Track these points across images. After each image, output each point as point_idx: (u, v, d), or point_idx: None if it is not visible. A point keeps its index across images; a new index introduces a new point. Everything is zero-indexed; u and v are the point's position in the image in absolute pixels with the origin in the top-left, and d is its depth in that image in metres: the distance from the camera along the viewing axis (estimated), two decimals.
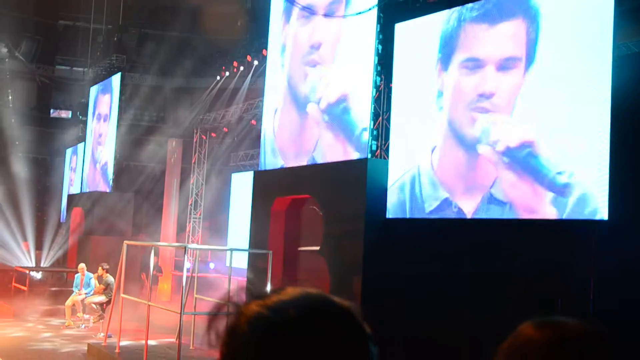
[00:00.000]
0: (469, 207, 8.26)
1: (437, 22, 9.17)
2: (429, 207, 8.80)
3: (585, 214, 7.04)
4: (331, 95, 10.72)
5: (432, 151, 8.80)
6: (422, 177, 8.89)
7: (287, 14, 11.99)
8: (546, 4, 7.69)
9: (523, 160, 7.75)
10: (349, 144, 10.28)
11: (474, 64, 8.46)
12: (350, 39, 10.52)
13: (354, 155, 10.16)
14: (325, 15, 10.69)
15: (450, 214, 8.49)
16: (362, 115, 10.11)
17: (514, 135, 7.86)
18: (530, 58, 7.74)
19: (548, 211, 7.45)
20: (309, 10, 10.94)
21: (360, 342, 0.85)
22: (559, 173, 7.37)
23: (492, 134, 8.13)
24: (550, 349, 1.01)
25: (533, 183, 7.62)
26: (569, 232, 7.28)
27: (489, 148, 8.19)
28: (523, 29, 7.87)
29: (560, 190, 7.33)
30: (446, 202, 8.55)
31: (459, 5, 8.83)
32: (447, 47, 8.82)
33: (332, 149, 10.59)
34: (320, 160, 10.76)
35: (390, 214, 9.33)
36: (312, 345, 0.80)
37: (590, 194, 7.02)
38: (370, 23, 10.15)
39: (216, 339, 0.84)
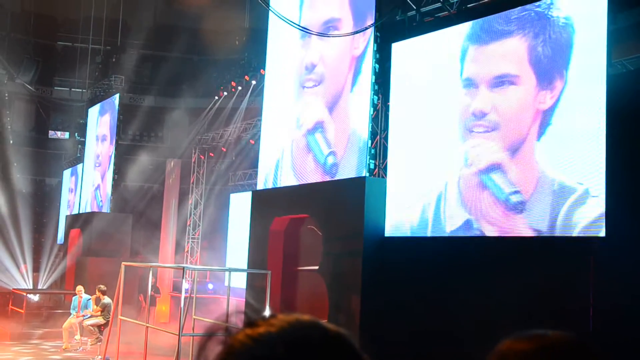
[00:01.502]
0: (492, 231, 8.03)
1: (435, 41, 9.24)
2: (451, 227, 8.56)
3: (582, 231, 7.04)
4: (310, 121, 11.05)
5: (461, 170, 8.58)
6: (449, 196, 8.66)
7: (304, 36, 11.98)
8: (544, 22, 7.71)
9: (489, 180, 7.96)
10: (321, 169, 10.70)
11: (468, 83, 8.49)
12: (334, 60, 10.75)
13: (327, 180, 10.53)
14: (320, 35, 10.76)
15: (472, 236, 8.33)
16: (330, 139, 10.54)
17: (487, 155, 8.04)
18: (540, 75, 7.63)
19: (525, 232, 7.58)
20: (305, 30, 11.01)
21: None
22: (514, 193, 7.68)
23: (470, 158, 8.27)
24: (533, 358, 0.99)
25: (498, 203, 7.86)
26: (567, 249, 7.27)
27: (467, 170, 8.32)
28: (524, 47, 7.84)
29: (514, 208, 7.67)
30: (468, 224, 8.32)
31: (455, 25, 8.91)
32: (467, 69, 8.72)
33: (314, 174, 10.86)
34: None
35: (410, 233, 9.12)
36: None
37: (587, 210, 7.03)
38: (347, 46, 10.42)
39: None
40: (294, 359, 0.79)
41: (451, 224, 8.56)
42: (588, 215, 7.01)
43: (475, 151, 8.22)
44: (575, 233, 7.11)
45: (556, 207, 7.33)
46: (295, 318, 0.85)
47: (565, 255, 7.27)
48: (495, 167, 7.98)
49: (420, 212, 8.99)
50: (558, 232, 7.25)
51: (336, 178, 10.33)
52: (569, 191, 7.21)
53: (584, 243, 7.04)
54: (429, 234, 8.80)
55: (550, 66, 7.60)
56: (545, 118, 7.57)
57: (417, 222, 8.95)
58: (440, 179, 8.80)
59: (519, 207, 7.65)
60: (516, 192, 7.70)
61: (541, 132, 7.58)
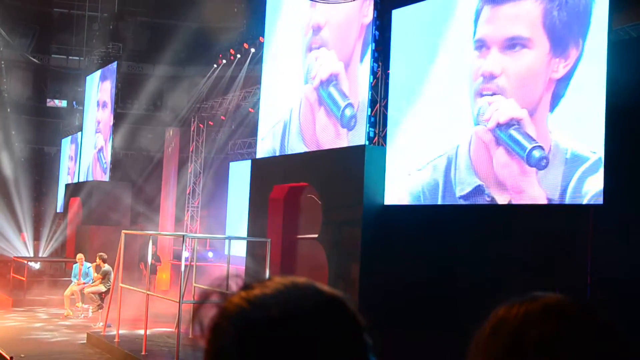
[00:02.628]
0: (503, 199, 7.90)
1: (437, 6, 9.12)
2: (461, 192, 8.41)
3: (583, 198, 7.04)
4: (323, 73, 10.79)
5: (471, 135, 8.40)
6: (459, 159, 8.49)
7: None
8: None
9: (507, 136, 7.78)
10: (338, 121, 10.44)
11: (480, 45, 8.30)
12: (341, 25, 10.56)
13: (344, 133, 10.23)
14: (319, 1, 10.61)
15: (482, 202, 8.20)
16: (347, 91, 10.26)
17: (505, 112, 7.83)
18: (554, 42, 7.43)
19: (537, 192, 7.45)
20: None
21: (352, 336, 0.81)
22: (536, 148, 7.49)
23: (486, 113, 8.09)
24: (541, 316, 0.93)
25: (520, 160, 7.68)
26: (565, 217, 7.27)
27: (481, 127, 8.16)
28: (539, 9, 7.60)
29: (539, 165, 7.45)
30: (479, 190, 8.19)
31: None
32: (480, 30, 8.48)
33: (326, 131, 10.64)
34: (322, 143, 10.76)
35: (421, 199, 8.98)
36: (299, 342, 0.77)
37: (586, 177, 7.01)
38: (355, 12, 10.20)
39: (201, 330, 0.82)
40: (288, 321, 0.78)
41: (461, 190, 8.43)
42: (599, 185, 6.92)
43: (494, 106, 8.00)
44: (585, 201, 7.02)
45: (568, 175, 7.20)
46: (290, 280, 0.83)
47: (563, 223, 7.28)
48: (514, 122, 7.74)
49: (430, 180, 8.88)
50: (568, 201, 7.18)
51: (354, 133, 10.03)
52: (582, 160, 7.09)
53: (581, 210, 7.04)
54: (459, 200, 8.66)
55: (565, 33, 7.36)
56: (558, 89, 7.36)
57: (451, 187, 8.67)
58: (450, 143, 8.63)
59: (542, 163, 7.42)
60: (538, 147, 7.49)
61: (554, 104, 7.39)
